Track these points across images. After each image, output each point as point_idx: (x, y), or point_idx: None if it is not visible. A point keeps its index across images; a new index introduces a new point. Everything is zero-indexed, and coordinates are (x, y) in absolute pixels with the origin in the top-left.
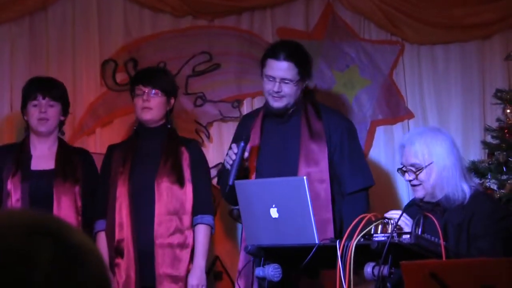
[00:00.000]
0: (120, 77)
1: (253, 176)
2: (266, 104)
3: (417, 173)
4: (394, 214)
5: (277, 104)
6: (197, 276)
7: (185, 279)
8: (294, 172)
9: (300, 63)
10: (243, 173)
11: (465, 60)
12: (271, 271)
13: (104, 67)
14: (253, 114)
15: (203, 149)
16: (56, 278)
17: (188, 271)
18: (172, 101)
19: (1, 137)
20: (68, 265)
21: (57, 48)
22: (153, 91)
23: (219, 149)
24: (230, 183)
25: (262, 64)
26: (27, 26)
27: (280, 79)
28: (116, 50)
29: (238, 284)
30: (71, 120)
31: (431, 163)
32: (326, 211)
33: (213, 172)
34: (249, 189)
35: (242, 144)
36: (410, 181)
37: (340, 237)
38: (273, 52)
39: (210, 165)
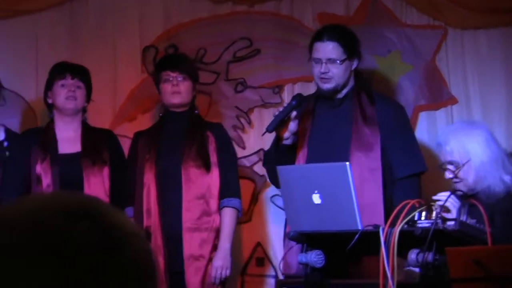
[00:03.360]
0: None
1: (301, 154)
2: (318, 88)
3: (456, 171)
4: (442, 195)
5: (326, 86)
6: (222, 257)
7: (207, 262)
8: (346, 156)
9: (345, 42)
10: (284, 130)
11: (509, 44)
12: (314, 257)
13: (144, 53)
14: (305, 98)
15: (244, 135)
16: (99, 260)
17: (212, 254)
18: (196, 87)
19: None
20: (110, 247)
21: (97, 35)
22: (182, 75)
23: (260, 135)
24: (268, 129)
25: (310, 50)
26: (67, 13)
27: (326, 59)
28: (156, 36)
29: (280, 270)
30: (112, 106)
31: (468, 160)
32: (377, 197)
33: (254, 158)
34: (291, 174)
35: (293, 102)
36: (450, 178)
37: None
38: (318, 35)
39: (251, 151)
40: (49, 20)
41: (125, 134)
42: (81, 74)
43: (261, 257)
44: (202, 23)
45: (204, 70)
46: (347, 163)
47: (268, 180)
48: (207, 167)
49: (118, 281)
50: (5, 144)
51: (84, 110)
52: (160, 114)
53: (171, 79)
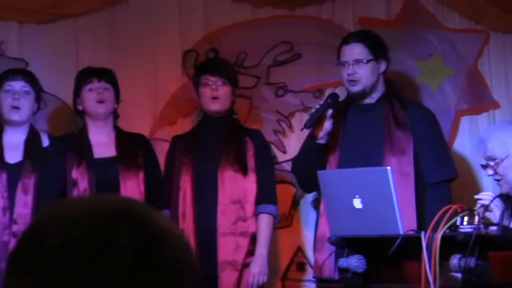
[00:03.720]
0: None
1: (332, 158)
2: (347, 92)
3: (496, 167)
4: (484, 195)
5: (354, 88)
6: (259, 264)
7: (242, 267)
8: (379, 160)
9: (370, 43)
10: (319, 129)
11: None
12: (355, 262)
13: (185, 57)
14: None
15: (285, 139)
16: (141, 262)
17: (246, 260)
18: (235, 92)
19: None
20: (152, 249)
21: (138, 39)
22: (221, 80)
23: (301, 139)
24: (307, 125)
25: (338, 56)
26: (108, 17)
27: (352, 61)
28: (197, 40)
29: (320, 274)
30: (152, 110)
31: (507, 156)
32: (410, 201)
33: None
34: (332, 179)
35: (329, 100)
36: (491, 175)
37: (423, 229)
38: (344, 39)
39: (292, 155)
40: (90, 24)
41: (166, 138)
42: (107, 76)
43: (301, 262)
44: (242, 27)
45: (244, 74)
46: (389, 167)
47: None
48: (244, 172)
49: (158, 283)
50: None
51: (115, 114)
52: (199, 119)
53: (210, 83)
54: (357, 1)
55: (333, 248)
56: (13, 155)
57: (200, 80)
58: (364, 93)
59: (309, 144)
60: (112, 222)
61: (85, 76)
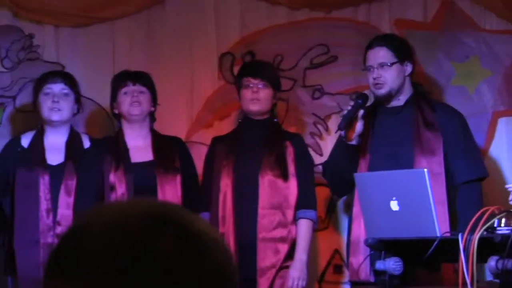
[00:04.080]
0: (238, 70)
1: (363, 161)
2: (374, 96)
3: None
4: None
5: (380, 91)
6: (298, 269)
7: (276, 272)
8: (409, 162)
9: (394, 46)
10: (352, 131)
11: None
12: (392, 264)
13: (221, 60)
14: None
15: (322, 141)
16: (179, 266)
17: (286, 264)
18: (277, 95)
19: None
20: (191, 253)
21: (174, 42)
22: (262, 83)
23: None
24: (340, 127)
25: (364, 61)
26: (145, 20)
27: (377, 64)
28: (233, 43)
29: (356, 277)
30: (189, 113)
31: None
32: (441, 202)
33: None
34: (369, 181)
35: (359, 101)
36: None
37: (454, 229)
38: (368, 44)
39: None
40: (126, 27)
41: (202, 141)
42: (142, 79)
43: (338, 264)
44: (279, 30)
45: (281, 77)
46: (425, 169)
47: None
48: (285, 177)
49: (197, 287)
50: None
51: (152, 116)
52: (239, 120)
53: (251, 85)
54: (393, 3)
55: (368, 251)
56: (55, 157)
57: (242, 82)
58: (390, 96)
59: (341, 146)
60: (152, 226)
61: (121, 79)
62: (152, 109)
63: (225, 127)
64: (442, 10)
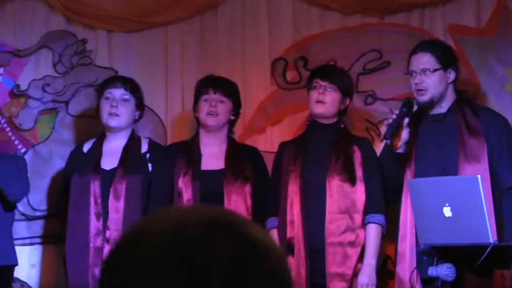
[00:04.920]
0: (290, 75)
1: (408, 170)
2: (416, 102)
3: None
4: None
5: (422, 98)
6: (367, 274)
7: (352, 278)
8: (454, 169)
9: (438, 52)
10: (398, 139)
11: None
12: (445, 270)
13: (274, 65)
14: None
15: (374, 147)
16: (235, 272)
17: (356, 270)
18: (347, 101)
19: (173, 135)
20: (246, 260)
21: (227, 47)
22: (330, 86)
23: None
24: (386, 136)
25: (407, 65)
26: (197, 25)
27: (420, 70)
28: (285, 48)
29: (409, 283)
30: (241, 118)
31: None
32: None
33: None
34: (422, 187)
35: (404, 110)
36: None
37: (501, 235)
38: (412, 49)
39: None
40: (179, 32)
41: (255, 147)
42: (225, 88)
43: (390, 271)
44: (331, 35)
45: None
46: (479, 175)
47: None
48: (352, 182)
49: None
50: (147, 156)
51: (232, 124)
52: (307, 122)
53: (318, 87)
54: (447, 9)
55: (414, 259)
56: (110, 162)
57: (311, 83)
58: (432, 103)
59: (388, 154)
60: (208, 232)
61: (204, 85)
62: (232, 117)
63: (277, 132)
64: (496, 15)
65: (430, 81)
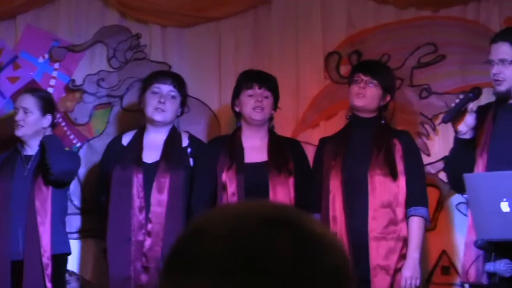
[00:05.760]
0: (344, 69)
1: (480, 161)
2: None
3: None
4: None
5: (498, 88)
6: (411, 268)
7: (395, 271)
8: None
9: None
10: (459, 123)
11: None
12: (503, 266)
13: (327, 59)
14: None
15: (429, 141)
16: (296, 269)
17: (399, 264)
18: (388, 98)
19: (226, 130)
20: (308, 255)
21: (280, 41)
22: (372, 81)
23: (445, 142)
24: (444, 119)
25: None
26: (251, 19)
27: (497, 60)
28: (339, 42)
29: (466, 279)
30: (294, 113)
31: None
32: None
33: (439, 165)
34: (479, 182)
35: (470, 94)
36: None
37: None
38: (493, 38)
39: (436, 158)
40: (232, 26)
41: (308, 141)
42: (269, 83)
43: (446, 266)
44: (386, 29)
45: None
46: None
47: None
48: (394, 176)
49: None
50: (189, 150)
51: (270, 118)
52: (347, 116)
53: (359, 81)
54: (503, 1)
55: (480, 252)
56: (152, 155)
57: (353, 77)
58: (509, 94)
59: (456, 141)
60: (269, 228)
61: (247, 80)
62: (273, 112)
63: (331, 126)
64: None
65: (508, 72)
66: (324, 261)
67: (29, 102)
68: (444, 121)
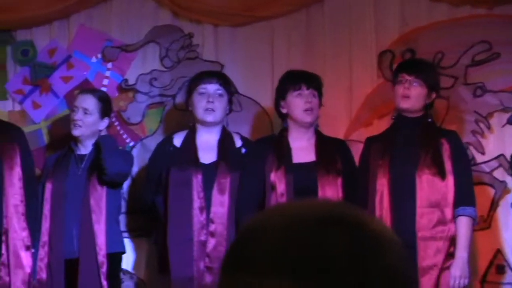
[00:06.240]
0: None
1: None
2: None
3: None
4: None
5: None
6: (460, 267)
7: (441, 271)
8: None
9: None
10: None
11: None
12: None
13: (381, 58)
14: None
15: (483, 140)
16: (353, 268)
17: (446, 263)
18: (433, 96)
19: (279, 129)
20: (367, 254)
21: (332, 39)
22: (416, 80)
23: (500, 140)
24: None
25: None
26: (303, 18)
27: None
28: (392, 40)
29: None
30: (347, 111)
31: None
32: None
33: (494, 164)
34: None
35: None
36: None
37: None
38: None
39: (490, 156)
40: (284, 26)
41: (361, 140)
42: (315, 82)
43: (501, 265)
44: (440, 27)
45: (442, 75)
46: None
47: (508, 186)
48: (442, 175)
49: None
50: (243, 150)
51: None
52: (392, 118)
53: (403, 81)
54: None
55: None
56: (207, 156)
57: (397, 78)
58: None
59: None
60: (330, 226)
61: (294, 80)
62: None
63: (384, 125)
64: None
65: None
66: (382, 260)
67: (90, 103)
68: (510, 122)
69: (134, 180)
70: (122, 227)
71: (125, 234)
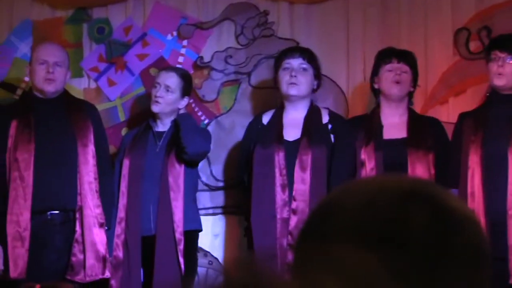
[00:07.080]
0: (474, 45)
1: None
2: None
3: None
4: None
5: None
6: None
7: None
8: None
9: None
10: None
11: None
12: None
13: (457, 35)
14: None
15: None
16: (432, 243)
17: None
18: None
19: (354, 106)
20: (444, 230)
21: (408, 17)
22: (510, 57)
23: None
24: None
25: None
26: None
27: None
28: (468, 18)
29: None
30: (423, 89)
31: None
32: None
33: None
34: None
35: None
36: None
37: None
38: None
39: None
40: (361, 3)
41: (437, 117)
42: (408, 58)
43: None
44: None
45: None
46: None
47: None
48: None
49: (452, 266)
50: (329, 126)
51: (410, 95)
52: (487, 94)
53: (497, 59)
54: None
55: None
56: (293, 133)
57: (490, 55)
58: None
59: None
60: (405, 201)
61: (385, 55)
62: (412, 89)
63: (460, 103)
64: None
65: None
66: (459, 236)
67: (173, 81)
68: None
69: (210, 157)
70: (211, 203)
71: (210, 211)
